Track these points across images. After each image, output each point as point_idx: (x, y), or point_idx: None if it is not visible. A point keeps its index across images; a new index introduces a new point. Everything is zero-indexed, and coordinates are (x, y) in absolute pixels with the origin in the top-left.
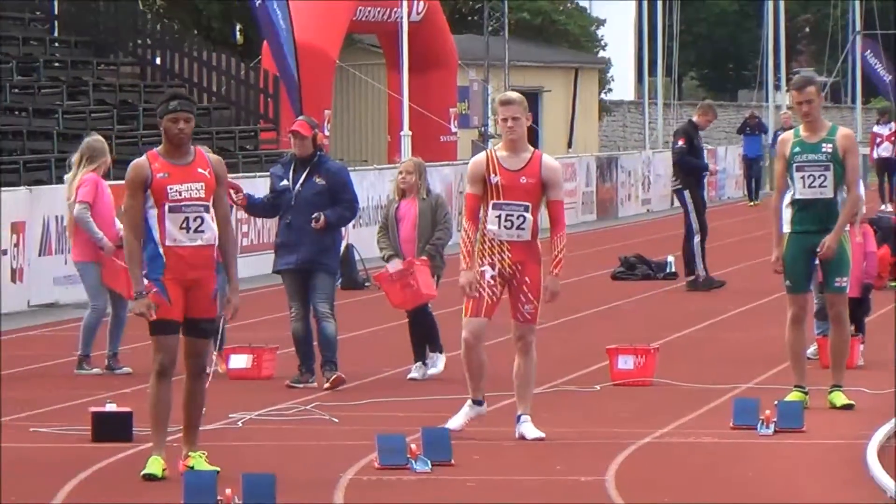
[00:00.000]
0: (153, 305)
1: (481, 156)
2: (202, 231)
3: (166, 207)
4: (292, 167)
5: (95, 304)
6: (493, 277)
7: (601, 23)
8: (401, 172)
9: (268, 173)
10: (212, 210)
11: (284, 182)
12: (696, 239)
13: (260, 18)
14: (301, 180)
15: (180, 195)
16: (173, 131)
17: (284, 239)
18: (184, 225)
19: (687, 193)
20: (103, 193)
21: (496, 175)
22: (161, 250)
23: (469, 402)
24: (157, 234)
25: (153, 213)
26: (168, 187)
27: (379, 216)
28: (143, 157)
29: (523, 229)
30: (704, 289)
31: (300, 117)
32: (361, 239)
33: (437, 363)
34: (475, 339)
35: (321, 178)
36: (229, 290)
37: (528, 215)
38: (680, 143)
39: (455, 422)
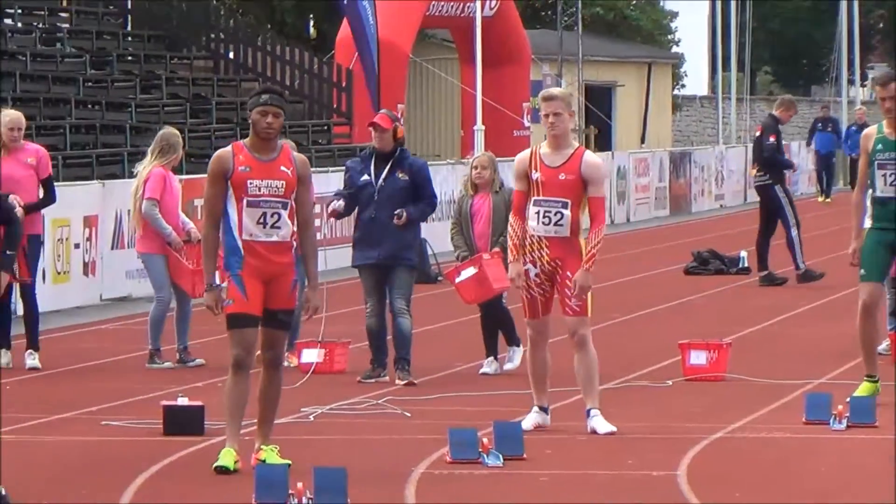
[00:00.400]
0: (221, 300)
1: (526, 152)
2: (278, 227)
3: (245, 202)
4: (372, 161)
5: (160, 296)
6: (537, 275)
7: (673, 16)
8: (475, 167)
9: (340, 167)
10: (291, 207)
11: (365, 177)
12: (795, 232)
13: (348, 12)
14: (383, 175)
15: (259, 190)
16: (261, 125)
17: (365, 234)
18: (260, 220)
19: (778, 188)
20: (170, 188)
21: (537, 171)
22: (239, 243)
23: (535, 407)
24: (235, 227)
25: (232, 206)
26: (248, 181)
27: (451, 211)
28: (228, 148)
29: (561, 225)
30: (805, 281)
31: (382, 111)
32: (434, 233)
33: (514, 357)
34: (539, 336)
35: (404, 173)
36: (308, 289)
37: (567, 212)
38: (771, 139)
39: (525, 422)
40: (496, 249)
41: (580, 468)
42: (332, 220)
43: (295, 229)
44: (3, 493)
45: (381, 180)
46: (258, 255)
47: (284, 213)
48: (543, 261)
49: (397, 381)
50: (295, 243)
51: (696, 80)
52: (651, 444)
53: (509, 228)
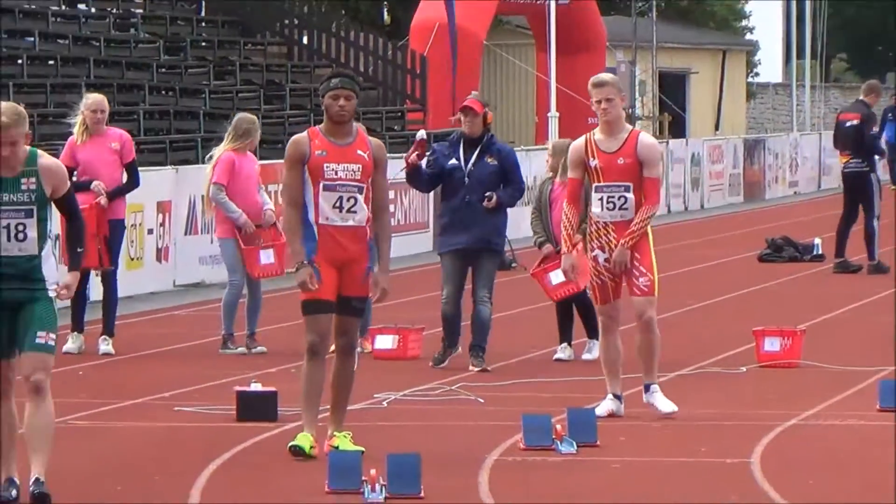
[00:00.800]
0: (313, 275)
1: (580, 140)
2: (354, 212)
3: (321, 185)
4: (461, 147)
5: (232, 280)
6: (606, 260)
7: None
8: (552, 155)
9: None
10: (367, 192)
11: (454, 161)
12: (876, 223)
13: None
14: (473, 160)
15: (336, 174)
16: (334, 108)
17: (454, 219)
18: (337, 204)
19: (873, 176)
20: (240, 172)
21: (594, 158)
22: (315, 229)
23: (609, 395)
24: (311, 212)
25: (309, 190)
26: (325, 165)
27: (527, 197)
28: (304, 133)
29: (626, 209)
30: (875, 273)
31: (472, 94)
32: (509, 219)
33: (593, 349)
34: (612, 321)
35: (492, 158)
36: (379, 273)
37: (630, 195)
38: (875, 128)
39: (599, 409)
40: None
41: (653, 455)
42: (406, 172)
43: (370, 214)
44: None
45: (470, 165)
46: (333, 241)
47: (360, 198)
48: (611, 245)
49: (471, 368)
50: (369, 230)
51: (771, 67)
52: (724, 431)
53: (563, 218)
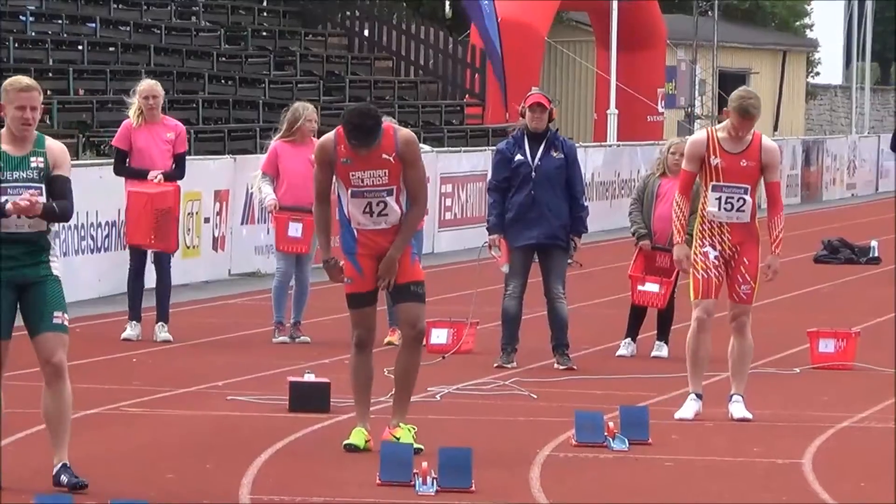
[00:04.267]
0: (340, 271)
1: (702, 135)
2: (385, 215)
3: (350, 192)
4: (526, 141)
5: (278, 266)
6: (716, 258)
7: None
8: (672, 153)
9: (473, 148)
10: (398, 192)
11: (519, 157)
12: None
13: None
14: (539, 154)
15: (362, 182)
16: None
17: (523, 214)
18: (366, 210)
19: None
20: (286, 160)
21: (716, 157)
22: (352, 227)
23: (692, 395)
24: (346, 213)
25: (343, 193)
26: (350, 174)
27: (591, 193)
28: (331, 136)
29: (743, 211)
30: None
31: (534, 90)
32: None
33: (663, 349)
34: (708, 317)
35: (558, 152)
36: (383, 261)
37: (748, 198)
38: None
39: (684, 412)
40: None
41: (705, 454)
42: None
43: (405, 211)
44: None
45: (537, 160)
46: (371, 240)
47: (391, 200)
48: (725, 245)
49: (556, 366)
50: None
51: (831, 68)
52: (777, 432)
53: (675, 208)
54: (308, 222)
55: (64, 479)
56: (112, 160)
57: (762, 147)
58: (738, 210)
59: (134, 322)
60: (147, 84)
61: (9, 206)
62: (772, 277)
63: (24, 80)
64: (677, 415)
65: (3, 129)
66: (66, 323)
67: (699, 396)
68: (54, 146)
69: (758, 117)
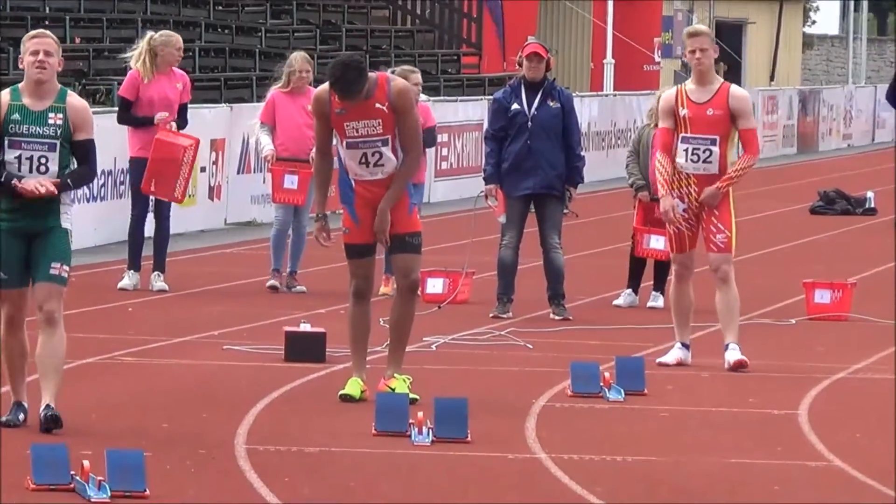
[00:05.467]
0: (326, 231)
1: (672, 89)
2: (381, 165)
3: (345, 143)
4: (523, 91)
5: (276, 215)
6: (685, 210)
7: None
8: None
9: (468, 98)
10: (393, 142)
11: (516, 106)
12: None
13: None
14: (536, 104)
15: (357, 132)
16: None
17: (520, 163)
18: (362, 160)
19: None
20: (283, 110)
21: (684, 108)
22: (350, 179)
23: (678, 343)
24: (344, 165)
25: (340, 145)
26: (345, 124)
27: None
28: (325, 88)
29: (710, 163)
30: None
31: (531, 39)
32: None
33: (659, 299)
34: (685, 270)
35: (554, 101)
36: (376, 215)
37: (715, 148)
38: None
39: (667, 357)
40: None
41: (701, 405)
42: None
43: (401, 161)
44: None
45: (533, 109)
46: (367, 190)
47: (386, 150)
48: (691, 197)
49: (552, 317)
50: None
51: (827, 19)
52: (773, 383)
53: (658, 165)
54: (303, 174)
55: (41, 414)
56: (114, 108)
57: (730, 94)
58: (704, 161)
59: (132, 272)
60: (177, 37)
61: (20, 187)
62: (704, 203)
63: (39, 31)
64: (659, 360)
65: (23, 82)
66: (63, 274)
67: (685, 346)
68: (76, 103)
69: (707, 33)
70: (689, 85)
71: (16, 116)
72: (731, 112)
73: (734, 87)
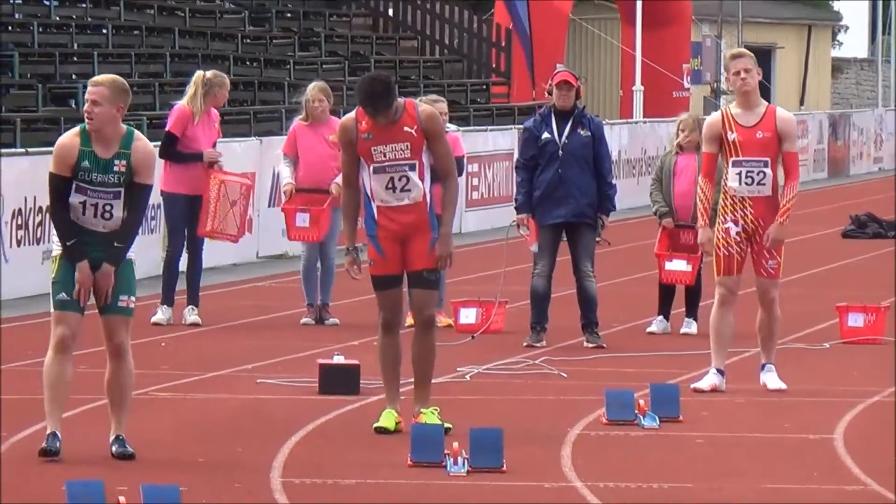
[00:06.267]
0: (357, 263)
1: (717, 115)
2: (408, 190)
3: (371, 168)
4: (553, 119)
5: (302, 251)
6: (738, 234)
7: None
8: (682, 130)
9: (498, 127)
10: (421, 166)
11: (546, 135)
12: None
13: None
14: (566, 132)
15: (385, 156)
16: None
17: (551, 192)
18: (389, 185)
19: None
20: (303, 140)
21: (733, 132)
22: (374, 208)
23: (713, 369)
24: (369, 193)
25: (365, 172)
26: (372, 149)
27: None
28: (352, 115)
29: (764, 184)
30: None
31: (561, 67)
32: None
33: (692, 325)
34: (730, 294)
35: (585, 129)
36: (439, 239)
37: (768, 170)
38: None
39: (702, 383)
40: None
41: (736, 431)
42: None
43: (427, 189)
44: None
45: (564, 138)
46: (392, 219)
47: (413, 175)
48: (747, 220)
49: (586, 345)
50: (429, 199)
51: (856, 43)
52: (808, 407)
53: (699, 192)
54: (315, 211)
55: (113, 448)
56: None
57: (777, 117)
58: (758, 184)
59: (165, 306)
60: (224, 77)
61: (77, 276)
62: (770, 246)
63: (102, 76)
64: (694, 385)
65: None
66: (131, 306)
67: (720, 372)
68: (140, 147)
69: (750, 55)
70: (735, 109)
71: (85, 164)
72: (778, 134)
73: (780, 110)
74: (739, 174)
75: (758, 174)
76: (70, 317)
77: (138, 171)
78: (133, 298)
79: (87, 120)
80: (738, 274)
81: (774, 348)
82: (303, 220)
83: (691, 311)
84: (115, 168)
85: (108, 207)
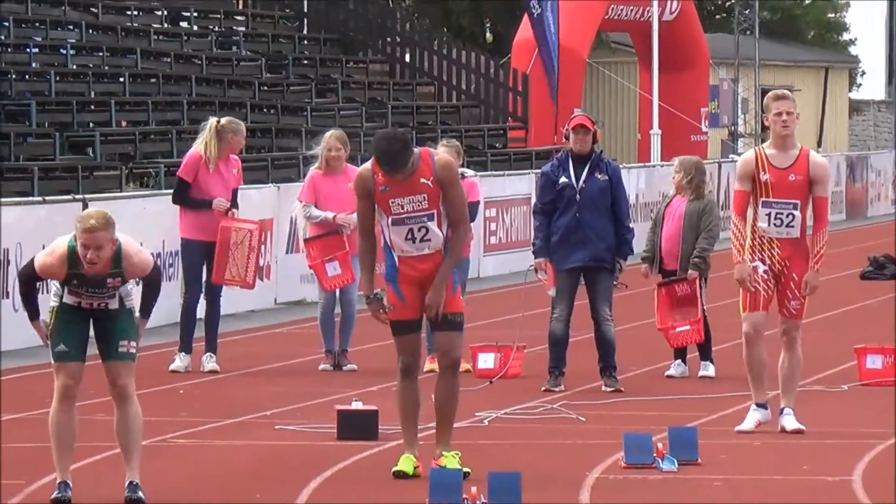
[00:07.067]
0: (382, 307)
1: (751, 153)
2: (428, 240)
3: (390, 220)
4: (570, 164)
5: (320, 298)
6: (765, 272)
7: (844, 6)
8: (677, 171)
9: (516, 172)
10: (439, 216)
11: (564, 179)
12: None
13: (535, 26)
14: (584, 176)
15: (402, 208)
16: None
17: (569, 236)
18: (408, 237)
19: None
20: (322, 189)
21: (765, 173)
22: (394, 256)
23: (753, 405)
24: (389, 243)
25: (385, 222)
26: (390, 201)
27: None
28: (368, 166)
29: (792, 227)
30: None
31: (577, 111)
32: None
33: (709, 368)
34: (756, 333)
35: (602, 174)
36: (431, 287)
37: (797, 213)
38: None
39: (746, 423)
40: (693, 277)
41: (755, 473)
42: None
43: (447, 235)
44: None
45: (581, 182)
46: (413, 267)
47: (432, 225)
48: (774, 260)
49: (604, 388)
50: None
51: (873, 83)
52: (826, 449)
53: (733, 228)
54: (341, 256)
55: (126, 494)
56: (162, 191)
57: (810, 161)
58: (787, 226)
59: (183, 353)
60: (241, 125)
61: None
62: (809, 293)
63: (93, 217)
64: (738, 428)
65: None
66: (132, 351)
67: (762, 406)
68: (131, 266)
69: (792, 98)
70: (769, 149)
71: (75, 282)
72: (810, 178)
73: (814, 154)
74: (769, 215)
75: (787, 216)
76: (71, 366)
77: (136, 275)
78: (133, 343)
79: (90, 265)
80: (763, 310)
81: (794, 392)
82: (333, 268)
83: (705, 353)
84: (109, 283)
85: (102, 305)
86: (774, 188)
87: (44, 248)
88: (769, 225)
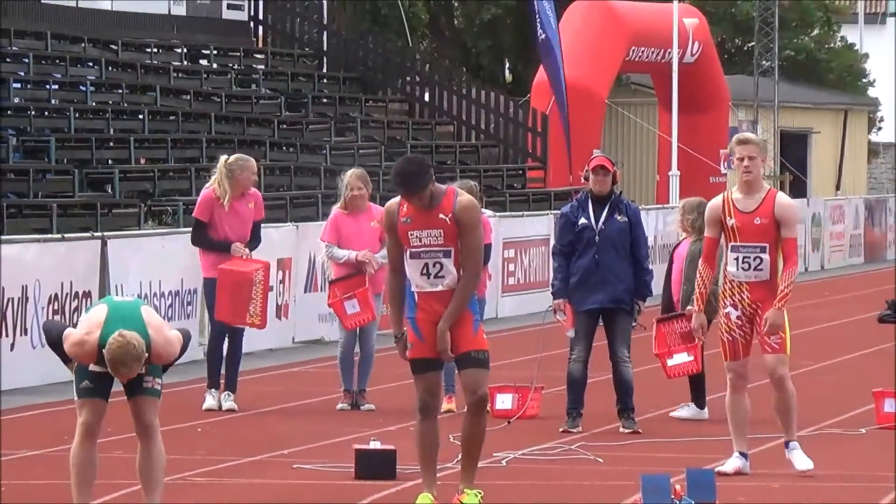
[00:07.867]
0: (407, 347)
1: (718, 199)
2: (442, 277)
3: (408, 253)
4: (590, 205)
5: (340, 337)
6: (738, 317)
7: (864, 58)
8: (681, 213)
9: (535, 213)
10: (456, 255)
11: (583, 220)
12: None
13: (542, 51)
14: (603, 218)
15: (420, 241)
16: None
17: (588, 277)
18: (424, 271)
19: None
20: (345, 229)
21: (731, 217)
22: (413, 290)
23: (736, 453)
24: (408, 276)
25: (406, 256)
26: (409, 233)
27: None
28: (396, 199)
29: (761, 269)
30: None
31: (597, 153)
32: None
33: (682, 410)
34: (739, 379)
35: (621, 215)
36: (437, 330)
37: (766, 256)
38: None
39: (725, 467)
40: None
41: None
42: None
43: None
44: None
45: (600, 223)
46: (429, 303)
47: (448, 262)
48: (744, 304)
49: (622, 430)
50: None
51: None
52: (843, 493)
53: (697, 277)
54: (360, 294)
55: None
56: (181, 230)
57: (776, 203)
58: (755, 269)
59: (214, 390)
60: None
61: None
62: (769, 331)
63: (119, 360)
64: (718, 468)
65: None
66: (156, 387)
67: (743, 455)
68: (160, 360)
69: (757, 142)
70: (736, 194)
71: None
72: (776, 220)
73: (780, 195)
74: (737, 259)
75: (754, 259)
76: (94, 403)
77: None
78: (159, 380)
79: (120, 378)
80: (744, 357)
81: (794, 424)
82: (353, 306)
83: (695, 395)
84: (147, 384)
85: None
86: (741, 232)
87: (62, 285)
88: (738, 269)
